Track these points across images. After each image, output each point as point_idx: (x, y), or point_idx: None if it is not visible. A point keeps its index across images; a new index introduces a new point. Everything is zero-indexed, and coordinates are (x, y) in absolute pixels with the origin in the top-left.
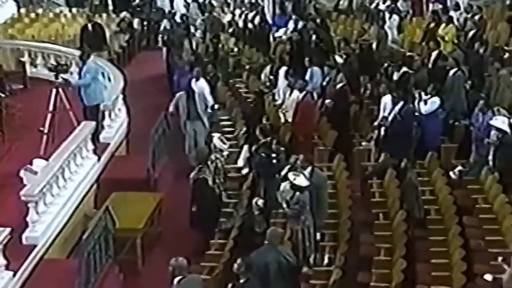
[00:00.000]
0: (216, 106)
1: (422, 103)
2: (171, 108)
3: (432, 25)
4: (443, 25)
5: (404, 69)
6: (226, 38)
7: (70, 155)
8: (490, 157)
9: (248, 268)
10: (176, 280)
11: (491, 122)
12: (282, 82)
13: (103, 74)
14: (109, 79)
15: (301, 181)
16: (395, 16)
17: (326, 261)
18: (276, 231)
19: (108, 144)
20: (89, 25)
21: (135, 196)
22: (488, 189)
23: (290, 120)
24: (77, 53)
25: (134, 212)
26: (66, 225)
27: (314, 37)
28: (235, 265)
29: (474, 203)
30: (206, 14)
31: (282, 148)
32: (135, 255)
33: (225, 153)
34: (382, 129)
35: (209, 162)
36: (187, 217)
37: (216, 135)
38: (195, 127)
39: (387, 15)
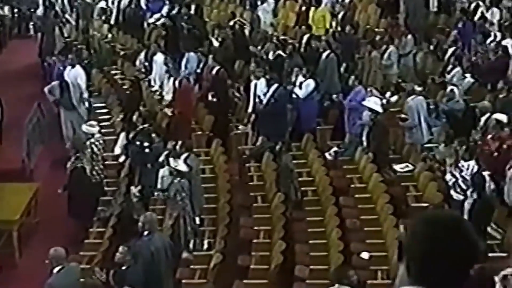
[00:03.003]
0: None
1: (297, 87)
2: (50, 98)
3: (303, 8)
4: (313, 8)
5: (278, 52)
6: (100, 25)
7: None
8: (364, 138)
9: (135, 256)
10: (55, 270)
11: (364, 103)
12: (158, 68)
13: None
14: None
15: (181, 166)
16: (270, 0)
17: (206, 245)
18: (151, 216)
19: None
20: None
21: (10, 187)
22: (363, 169)
23: (167, 106)
24: None
25: (9, 204)
26: None
27: (186, 23)
28: (118, 254)
29: (350, 183)
30: (79, 0)
31: (160, 135)
32: (11, 248)
33: (97, 136)
34: (257, 112)
35: (86, 151)
36: (64, 206)
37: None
38: (71, 117)
39: None
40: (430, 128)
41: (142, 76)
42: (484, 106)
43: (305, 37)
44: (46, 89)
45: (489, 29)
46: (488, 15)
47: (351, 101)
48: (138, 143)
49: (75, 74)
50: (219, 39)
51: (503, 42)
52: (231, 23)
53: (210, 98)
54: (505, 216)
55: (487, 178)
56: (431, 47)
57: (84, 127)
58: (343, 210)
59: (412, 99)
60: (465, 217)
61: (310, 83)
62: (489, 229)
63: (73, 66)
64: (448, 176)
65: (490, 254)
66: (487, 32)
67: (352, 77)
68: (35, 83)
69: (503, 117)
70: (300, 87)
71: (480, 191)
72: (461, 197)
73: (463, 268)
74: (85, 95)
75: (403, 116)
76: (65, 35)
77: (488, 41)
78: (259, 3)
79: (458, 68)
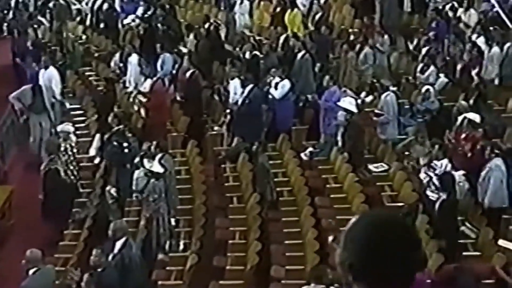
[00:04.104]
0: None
1: (273, 88)
2: (16, 105)
3: (278, 9)
4: (289, 10)
5: (254, 53)
6: (74, 26)
7: None
8: (339, 138)
9: (115, 263)
10: (30, 272)
11: (339, 103)
12: (133, 69)
13: None
14: None
15: (157, 168)
16: (246, 2)
17: (181, 246)
18: (122, 223)
19: None
20: None
21: None
22: (338, 169)
23: (142, 107)
24: None
25: None
26: None
27: (162, 24)
28: (93, 257)
29: (325, 183)
30: (53, 2)
31: (135, 136)
32: None
33: (72, 135)
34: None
35: (60, 153)
36: (39, 208)
37: (61, 125)
38: (41, 119)
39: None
40: (405, 126)
41: (117, 77)
42: (462, 106)
43: (282, 37)
44: (12, 97)
45: (462, 30)
46: (465, 17)
47: (326, 101)
48: (115, 143)
49: (49, 77)
50: (194, 41)
51: (477, 42)
52: (206, 24)
53: (178, 98)
54: (479, 215)
55: (462, 178)
56: (411, 47)
57: (60, 127)
58: (318, 210)
59: (388, 95)
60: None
61: (286, 84)
62: (463, 228)
63: (46, 68)
64: (422, 175)
65: (464, 253)
66: (461, 33)
67: (327, 77)
68: (8, 85)
69: (476, 117)
70: (276, 88)
71: (450, 190)
72: (436, 196)
73: (405, 270)
74: (59, 97)
75: (377, 111)
76: (39, 36)
77: (460, 41)
78: (234, 3)
79: (432, 68)
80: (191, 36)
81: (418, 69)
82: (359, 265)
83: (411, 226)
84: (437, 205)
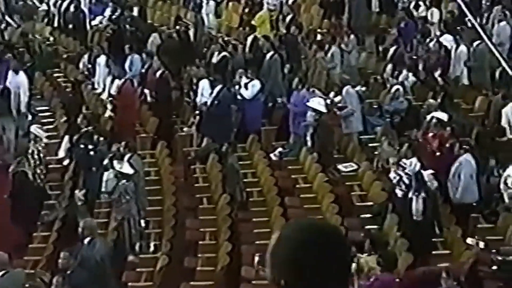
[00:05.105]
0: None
1: (243, 88)
2: None
3: (246, 10)
4: (258, 10)
5: (222, 53)
6: (42, 27)
7: None
8: (308, 138)
9: (80, 263)
10: None
11: (308, 104)
12: (101, 70)
13: None
14: None
15: (127, 169)
16: (211, 2)
17: (151, 248)
18: (91, 222)
19: None
20: None
21: None
22: (308, 169)
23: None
24: None
25: None
26: None
27: (130, 25)
28: (61, 259)
29: (295, 183)
30: (21, 3)
31: (104, 137)
32: None
33: (44, 140)
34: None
35: (29, 155)
36: (7, 211)
37: (34, 125)
38: (4, 123)
39: (204, 0)
40: (373, 126)
41: (85, 79)
42: (431, 104)
43: (250, 38)
44: None
45: (429, 29)
46: (428, 14)
47: (296, 106)
48: (82, 145)
49: (18, 82)
50: (163, 41)
51: (443, 42)
52: (177, 26)
53: (149, 99)
54: (448, 214)
55: (430, 177)
56: (380, 48)
57: (33, 129)
58: (288, 210)
59: (350, 88)
60: (414, 215)
61: (256, 84)
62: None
63: (16, 72)
64: (392, 174)
65: (434, 252)
66: (427, 32)
67: (296, 79)
68: None
69: (443, 116)
70: (246, 88)
71: (427, 190)
72: (411, 195)
73: (339, 272)
74: (23, 110)
75: (340, 105)
76: (6, 38)
77: (428, 41)
78: (201, 4)
79: (405, 72)
80: (151, 37)
81: (388, 70)
82: (293, 281)
83: (337, 230)
84: (415, 205)
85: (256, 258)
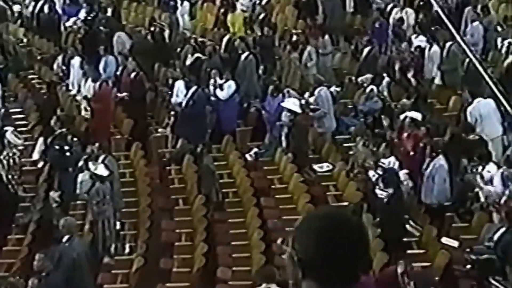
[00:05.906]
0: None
1: (218, 89)
2: None
3: (222, 10)
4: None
5: (197, 54)
6: (15, 28)
7: None
8: (283, 138)
9: (56, 263)
10: None
11: (283, 104)
12: (76, 72)
13: None
14: None
15: (102, 171)
16: (185, 3)
17: (127, 249)
18: (70, 220)
19: None
20: None
21: None
22: (283, 169)
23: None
24: None
25: None
26: None
27: (104, 26)
28: (36, 261)
29: (270, 183)
30: None
31: (79, 139)
32: None
33: (20, 148)
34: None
35: (2, 158)
36: None
37: (9, 130)
38: None
39: (178, 1)
40: (348, 126)
41: (60, 80)
42: (405, 104)
43: (225, 39)
44: None
45: (403, 29)
46: (403, 15)
47: (269, 114)
48: (57, 147)
49: None
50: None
51: (417, 42)
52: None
53: (126, 98)
54: (422, 213)
55: (406, 176)
56: (352, 48)
57: (9, 136)
58: (264, 211)
59: (321, 90)
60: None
61: (231, 85)
62: (407, 226)
63: None
64: (371, 173)
65: (408, 251)
66: (401, 33)
67: (271, 87)
68: None
69: (417, 115)
70: (221, 89)
71: (395, 187)
72: (385, 194)
73: (353, 267)
74: None
75: (312, 106)
76: None
77: (402, 41)
78: (178, 5)
79: (387, 79)
80: (115, 36)
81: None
82: (308, 259)
83: (362, 225)
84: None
85: (280, 239)
